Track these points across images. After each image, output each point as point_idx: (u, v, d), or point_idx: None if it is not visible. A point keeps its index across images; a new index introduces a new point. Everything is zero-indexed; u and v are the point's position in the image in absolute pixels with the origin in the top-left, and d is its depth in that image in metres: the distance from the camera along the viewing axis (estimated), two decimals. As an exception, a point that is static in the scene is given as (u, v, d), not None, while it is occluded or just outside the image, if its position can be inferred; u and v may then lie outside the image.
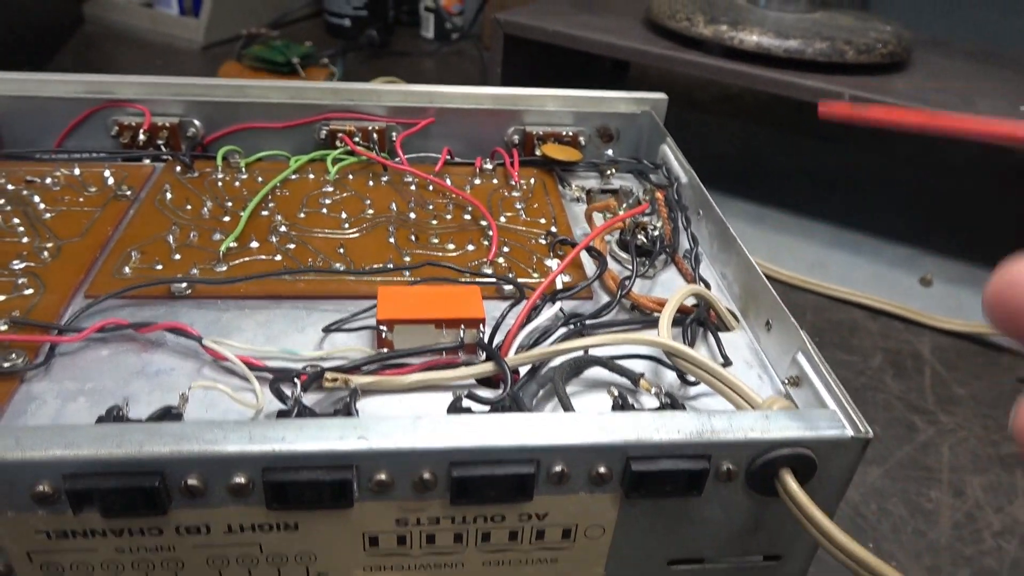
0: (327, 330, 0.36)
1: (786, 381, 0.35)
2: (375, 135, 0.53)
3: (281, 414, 0.30)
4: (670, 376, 0.35)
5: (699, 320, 0.38)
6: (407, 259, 0.42)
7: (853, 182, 0.88)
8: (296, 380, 0.31)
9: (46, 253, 0.40)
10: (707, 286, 0.42)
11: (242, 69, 0.95)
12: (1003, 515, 0.49)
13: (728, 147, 0.95)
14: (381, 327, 0.35)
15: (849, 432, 0.29)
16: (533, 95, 0.56)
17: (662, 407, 0.32)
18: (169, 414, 0.29)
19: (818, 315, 0.67)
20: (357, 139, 0.53)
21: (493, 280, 0.40)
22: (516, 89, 0.56)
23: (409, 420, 0.27)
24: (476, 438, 0.27)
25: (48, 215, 0.43)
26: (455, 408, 0.31)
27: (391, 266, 0.40)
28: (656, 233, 0.43)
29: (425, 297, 0.36)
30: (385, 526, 0.28)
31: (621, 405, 0.32)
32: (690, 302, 0.38)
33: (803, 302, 0.68)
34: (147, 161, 0.51)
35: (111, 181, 0.47)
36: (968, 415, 0.57)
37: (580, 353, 0.35)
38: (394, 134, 0.55)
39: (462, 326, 0.35)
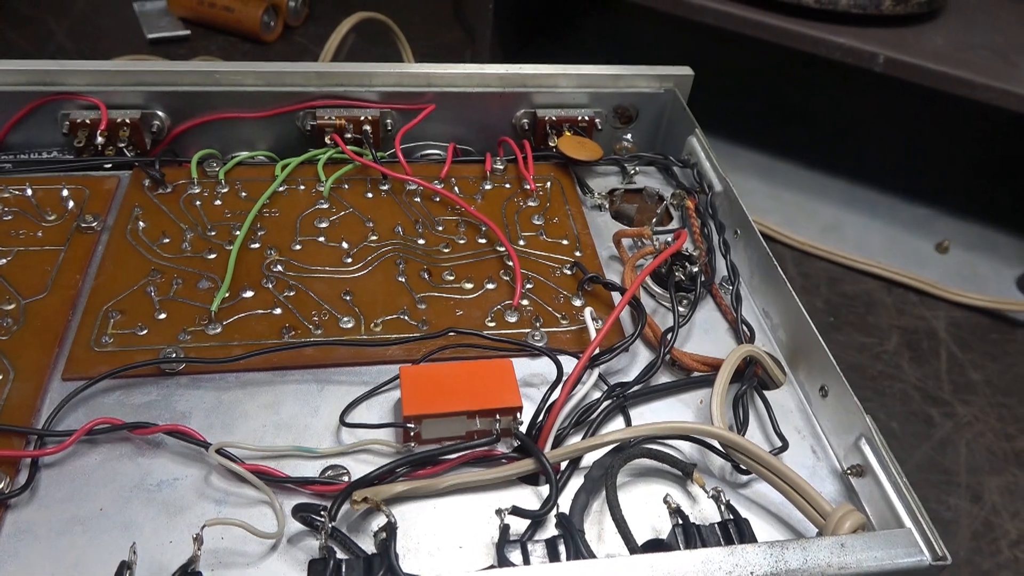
0: (346, 424, 0.32)
1: (849, 471, 0.32)
2: (367, 127, 0.47)
3: (313, 564, 0.27)
4: (719, 461, 0.33)
5: (752, 387, 0.35)
6: (422, 307, 0.38)
7: (870, 131, 0.83)
8: (323, 514, 0.27)
9: (9, 319, 0.35)
10: (750, 331, 0.39)
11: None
12: (1018, 520, 0.49)
13: (738, 86, 0.88)
14: (408, 424, 0.31)
15: (927, 559, 0.27)
16: (543, 73, 0.49)
17: (723, 520, 0.29)
18: (187, 573, 0.25)
19: (833, 288, 0.64)
20: (348, 135, 0.46)
21: (527, 352, 0.36)
22: (524, 67, 0.49)
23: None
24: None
25: (3, 260, 0.38)
26: (503, 539, 0.28)
27: (409, 336, 0.36)
28: (695, 269, 0.39)
29: (453, 381, 0.32)
30: None
31: (678, 516, 0.29)
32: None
33: (817, 271, 0.66)
34: (108, 167, 0.45)
35: (71, 204, 0.41)
36: (983, 404, 0.56)
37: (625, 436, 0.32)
38: (388, 121, 0.48)
39: (497, 415, 0.32)
